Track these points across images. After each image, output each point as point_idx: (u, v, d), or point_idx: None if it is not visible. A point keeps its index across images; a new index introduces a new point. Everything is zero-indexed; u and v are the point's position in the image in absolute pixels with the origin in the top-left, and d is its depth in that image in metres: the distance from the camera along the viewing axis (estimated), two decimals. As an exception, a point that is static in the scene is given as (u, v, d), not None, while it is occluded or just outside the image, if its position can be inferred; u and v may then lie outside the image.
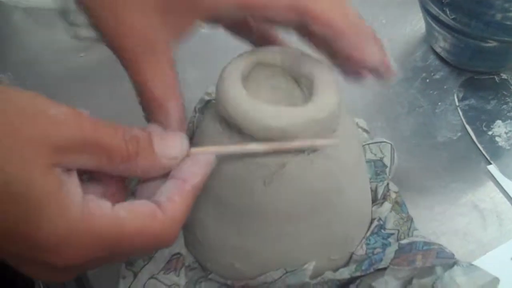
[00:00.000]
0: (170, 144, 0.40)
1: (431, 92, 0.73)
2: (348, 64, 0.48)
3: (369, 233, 0.54)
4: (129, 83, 0.72)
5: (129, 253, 0.40)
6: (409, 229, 0.55)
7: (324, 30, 0.44)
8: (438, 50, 0.76)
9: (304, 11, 0.44)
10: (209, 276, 0.52)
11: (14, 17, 0.83)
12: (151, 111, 0.44)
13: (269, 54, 0.49)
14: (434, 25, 0.72)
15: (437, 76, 0.74)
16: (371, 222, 0.55)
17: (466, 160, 0.66)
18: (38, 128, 0.33)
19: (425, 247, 0.51)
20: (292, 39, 0.49)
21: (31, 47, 0.79)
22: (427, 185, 0.64)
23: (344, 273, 0.51)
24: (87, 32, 0.76)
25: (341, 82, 0.72)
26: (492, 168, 0.65)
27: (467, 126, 0.69)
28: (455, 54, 0.74)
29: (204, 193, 0.43)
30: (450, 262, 0.49)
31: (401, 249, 0.51)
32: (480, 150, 0.66)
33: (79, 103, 0.70)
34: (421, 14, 0.76)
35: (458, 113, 0.70)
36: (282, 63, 0.49)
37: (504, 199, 0.62)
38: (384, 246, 0.53)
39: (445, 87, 0.73)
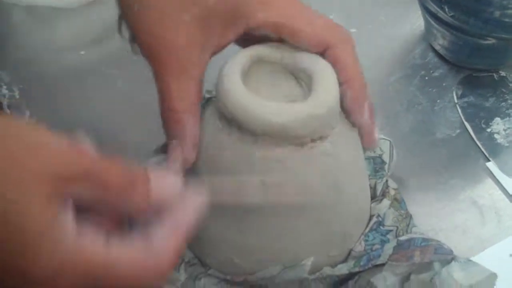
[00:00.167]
0: (165, 183, 0.40)
1: (430, 89, 0.73)
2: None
3: (367, 229, 0.54)
4: (128, 83, 0.73)
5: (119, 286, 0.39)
6: (408, 225, 0.55)
7: (340, 73, 0.48)
8: (437, 47, 0.76)
9: (332, 53, 0.48)
10: (209, 272, 0.53)
11: (13, 15, 0.83)
12: (168, 121, 0.47)
13: (268, 50, 0.49)
14: (433, 22, 0.72)
15: (436, 74, 0.75)
16: (370, 219, 0.55)
17: (465, 157, 0.66)
18: (39, 159, 0.34)
19: (423, 243, 0.51)
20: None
21: (31, 45, 0.79)
22: (426, 181, 0.64)
23: (343, 269, 0.51)
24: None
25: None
26: (490, 165, 0.65)
27: (466, 123, 0.69)
28: (454, 51, 0.74)
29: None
30: (448, 258, 0.49)
31: (399, 246, 0.51)
32: (479, 147, 0.67)
33: (78, 102, 0.71)
34: (420, 12, 0.76)
35: (457, 110, 0.70)
36: (282, 59, 0.49)
37: (503, 196, 0.63)
38: (383, 242, 0.53)
39: (444, 84, 0.73)
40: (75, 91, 0.72)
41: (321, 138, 0.47)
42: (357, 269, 0.51)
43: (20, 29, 0.82)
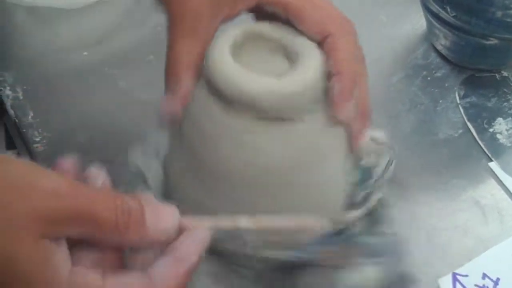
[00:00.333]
0: (162, 217, 0.40)
1: (432, 89, 0.73)
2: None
3: (330, 230, 0.54)
4: (131, 83, 0.73)
5: None
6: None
7: (333, 64, 0.48)
8: (439, 47, 0.76)
9: (330, 43, 0.48)
10: None
11: (16, 15, 0.83)
12: (168, 71, 0.49)
13: (270, 28, 0.50)
14: (434, 22, 0.72)
15: (438, 74, 0.75)
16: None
17: (467, 157, 0.66)
18: (27, 201, 0.34)
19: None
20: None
21: (34, 46, 0.79)
22: (428, 181, 0.64)
23: (278, 255, 0.51)
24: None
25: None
26: (493, 165, 0.65)
27: (468, 124, 0.69)
28: (456, 51, 0.74)
29: (184, 153, 0.47)
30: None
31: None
32: (481, 147, 0.67)
33: (81, 102, 0.71)
34: (421, 12, 0.76)
35: (459, 110, 0.70)
36: (281, 39, 0.50)
37: (505, 196, 0.63)
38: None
39: (446, 84, 0.73)
40: (78, 92, 0.72)
41: (293, 119, 0.47)
42: (299, 255, 0.51)
43: (22, 30, 0.82)
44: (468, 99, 0.71)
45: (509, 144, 0.67)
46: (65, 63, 0.76)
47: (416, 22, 0.80)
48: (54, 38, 0.80)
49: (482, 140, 0.67)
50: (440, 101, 0.71)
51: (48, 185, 0.35)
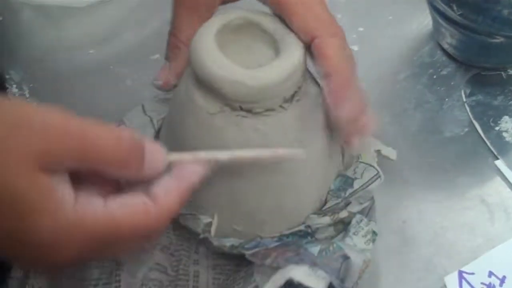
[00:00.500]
0: (157, 157, 0.41)
1: (438, 88, 0.73)
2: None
3: (290, 231, 0.54)
4: (137, 81, 0.73)
5: (121, 247, 0.41)
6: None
7: (322, 66, 0.48)
8: (445, 46, 0.76)
9: (317, 44, 0.48)
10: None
11: (23, 14, 0.83)
12: (169, 43, 0.53)
13: (266, 19, 0.50)
14: (441, 21, 0.72)
15: (444, 72, 0.74)
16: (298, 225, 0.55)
17: (473, 155, 0.66)
18: (23, 139, 0.35)
19: (287, 247, 0.51)
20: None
21: (40, 44, 0.80)
22: (434, 179, 0.64)
23: (229, 242, 0.53)
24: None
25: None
26: (499, 163, 0.65)
27: (474, 122, 0.69)
28: (462, 50, 0.74)
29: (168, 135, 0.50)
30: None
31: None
32: (488, 146, 0.67)
33: (87, 100, 0.71)
34: (427, 11, 0.76)
35: (465, 108, 0.70)
36: (274, 32, 0.50)
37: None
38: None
39: (452, 83, 0.73)
40: (84, 90, 0.73)
41: (263, 112, 0.48)
42: (237, 250, 0.52)
43: (29, 28, 0.82)
44: (474, 98, 0.71)
45: (515, 142, 0.67)
46: (71, 61, 0.76)
47: (422, 20, 0.80)
48: (60, 36, 0.80)
49: (488, 138, 0.67)
50: (446, 99, 0.71)
51: (46, 121, 0.36)
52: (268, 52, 0.51)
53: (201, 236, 0.52)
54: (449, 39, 0.74)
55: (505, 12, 0.65)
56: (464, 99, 0.71)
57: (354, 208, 0.56)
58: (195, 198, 0.52)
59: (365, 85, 0.72)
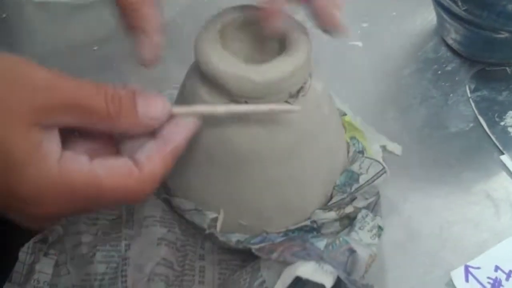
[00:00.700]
0: (153, 105, 0.41)
1: (443, 83, 0.73)
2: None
3: (296, 226, 0.54)
4: (141, 78, 0.73)
5: (103, 207, 0.44)
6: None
7: None
8: (450, 41, 0.76)
9: None
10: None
11: (27, 11, 0.83)
12: (127, 13, 0.46)
13: (256, 12, 0.50)
14: (445, 16, 0.72)
15: (448, 68, 0.74)
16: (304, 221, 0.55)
17: (479, 151, 0.66)
18: (18, 93, 0.36)
19: (293, 241, 0.51)
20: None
21: (44, 41, 0.80)
22: (440, 174, 0.64)
23: (235, 237, 0.53)
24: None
25: (354, 73, 0.73)
26: (504, 158, 0.65)
27: (479, 117, 0.69)
28: (467, 45, 0.74)
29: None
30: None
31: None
32: (493, 141, 0.66)
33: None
34: (432, 6, 0.76)
35: (470, 104, 0.70)
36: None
37: (517, 189, 0.63)
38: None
39: (456, 78, 0.73)
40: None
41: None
42: (243, 245, 0.52)
43: (32, 26, 0.82)
44: (479, 93, 0.71)
45: (521, 138, 0.67)
46: (75, 58, 0.76)
47: (427, 16, 0.80)
48: (64, 33, 0.80)
49: (493, 133, 0.67)
50: (451, 94, 0.71)
51: (39, 78, 0.37)
52: (273, 48, 0.51)
53: (207, 231, 0.53)
54: (454, 34, 0.74)
55: (510, 7, 0.65)
56: (469, 95, 0.71)
57: (360, 203, 0.56)
58: (201, 194, 0.53)
59: (370, 81, 0.73)
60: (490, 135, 0.67)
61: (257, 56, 0.50)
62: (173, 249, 0.54)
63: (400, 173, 0.62)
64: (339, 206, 0.55)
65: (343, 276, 0.47)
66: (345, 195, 0.55)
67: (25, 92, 0.36)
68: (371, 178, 0.56)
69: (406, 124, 0.68)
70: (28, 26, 0.81)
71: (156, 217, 0.55)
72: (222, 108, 0.46)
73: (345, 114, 0.64)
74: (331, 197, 0.56)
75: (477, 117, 0.69)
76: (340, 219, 0.55)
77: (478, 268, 0.56)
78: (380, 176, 0.56)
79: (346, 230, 0.56)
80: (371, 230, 0.54)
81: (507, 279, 0.55)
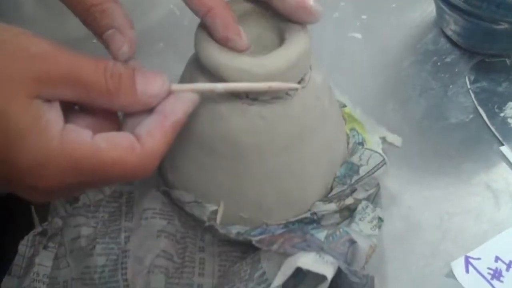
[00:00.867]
0: (152, 82, 0.42)
1: (442, 75, 0.73)
2: None
3: (294, 218, 0.54)
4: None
5: (105, 182, 0.43)
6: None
7: None
8: (449, 33, 0.76)
9: None
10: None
11: (25, 6, 0.83)
12: (94, 16, 0.45)
13: (255, 4, 0.50)
14: (444, 8, 0.72)
15: (448, 59, 0.74)
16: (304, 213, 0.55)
17: (479, 142, 0.66)
18: (18, 64, 0.36)
19: (293, 233, 0.51)
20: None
21: (42, 34, 0.79)
22: (440, 166, 0.64)
23: (235, 229, 0.53)
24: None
25: (353, 65, 0.73)
26: (504, 149, 0.65)
27: (479, 108, 0.69)
28: (466, 37, 0.74)
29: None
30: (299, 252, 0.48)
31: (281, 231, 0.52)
32: (493, 132, 0.66)
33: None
34: (431, -3, 0.76)
35: (470, 95, 0.70)
36: (269, 14, 0.50)
37: (517, 180, 0.63)
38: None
39: (456, 70, 0.73)
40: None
41: (269, 100, 0.48)
42: (243, 237, 0.52)
43: (31, 20, 0.82)
44: (478, 84, 0.71)
45: (521, 129, 0.67)
46: (74, 51, 0.76)
47: (426, 8, 0.80)
48: (62, 26, 0.80)
49: (493, 124, 0.67)
50: (451, 86, 0.71)
51: (37, 49, 0.37)
52: (273, 40, 0.50)
53: (207, 223, 0.53)
54: (453, 26, 0.73)
55: (509, -2, 0.65)
56: (469, 86, 0.71)
57: (360, 194, 0.56)
58: (200, 186, 0.53)
59: (369, 73, 0.73)
60: (490, 126, 0.67)
61: (257, 49, 0.50)
62: (173, 241, 0.54)
63: (400, 164, 0.62)
64: (339, 197, 0.55)
65: (343, 267, 0.47)
66: (345, 186, 0.55)
67: (25, 64, 0.36)
68: (371, 169, 0.56)
69: (406, 116, 0.68)
70: (26, 20, 0.81)
71: (155, 209, 0.55)
72: (221, 85, 0.46)
73: (345, 106, 0.64)
74: (331, 189, 0.56)
75: (476, 108, 0.69)
76: (340, 210, 0.55)
77: (479, 259, 0.56)
78: (380, 167, 0.56)
79: (346, 222, 0.55)
80: (371, 222, 0.54)
81: (507, 270, 0.55)
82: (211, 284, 0.54)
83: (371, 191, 0.56)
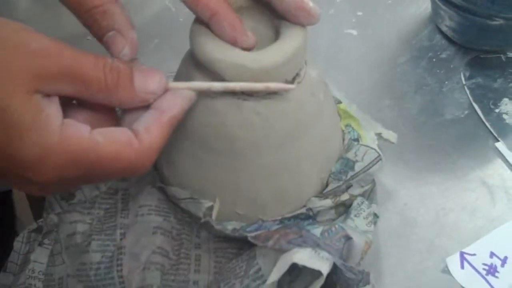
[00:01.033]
0: (150, 79, 0.42)
1: (437, 71, 0.73)
2: None
3: (290, 214, 0.54)
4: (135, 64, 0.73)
5: (104, 176, 0.43)
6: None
7: None
8: (444, 29, 0.76)
9: None
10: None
11: (20, 2, 0.83)
12: (95, 17, 0.45)
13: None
14: (439, 3, 0.72)
15: (443, 55, 0.74)
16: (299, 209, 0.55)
17: (474, 138, 0.66)
18: (18, 60, 0.36)
19: (289, 229, 0.51)
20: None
21: (37, 31, 0.79)
22: (435, 162, 0.64)
23: (231, 225, 0.53)
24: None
25: (349, 61, 0.73)
26: (499, 145, 0.65)
27: (474, 104, 0.69)
28: (461, 33, 0.74)
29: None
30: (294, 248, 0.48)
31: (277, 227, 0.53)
32: (488, 128, 0.66)
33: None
34: (426, -6, 0.76)
35: (465, 91, 0.70)
36: (264, 9, 0.50)
37: (512, 175, 0.63)
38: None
39: (451, 66, 0.73)
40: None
41: (263, 95, 0.48)
42: (239, 233, 0.52)
43: (26, 16, 0.82)
44: (473, 80, 0.71)
45: (515, 125, 0.67)
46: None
47: (421, 4, 0.80)
48: (57, 23, 0.80)
49: (488, 120, 0.67)
50: (446, 82, 0.71)
51: (37, 45, 0.37)
52: (268, 35, 0.50)
53: (203, 220, 0.52)
54: (448, 21, 0.73)
55: (505, -7, 0.65)
56: (464, 82, 0.71)
57: (355, 190, 0.56)
58: (196, 183, 0.53)
59: (365, 69, 0.73)
60: (485, 122, 0.67)
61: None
62: (168, 238, 0.54)
63: (395, 160, 0.63)
64: (335, 193, 0.55)
65: (339, 263, 0.47)
66: (340, 182, 0.55)
67: (25, 59, 0.36)
68: (367, 165, 0.56)
69: (401, 112, 0.68)
70: (21, 17, 0.81)
71: (151, 206, 0.55)
72: (218, 84, 0.46)
73: (340, 102, 0.63)
74: (327, 185, 0.56)
75: (472, 105, 0.69)
76: (336, 206, 0.55)
77: (474, 254, 0.56)
78: (376, 163, 0.56)
79: (341, 218, 0.55)
80: (366, 218, 0.54)
81: (502, 265, 0.55)
82: (206, 281, 0.54)
83: (366, 187, 0.56)
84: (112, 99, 0.40)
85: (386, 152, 0.57)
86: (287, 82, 0.48)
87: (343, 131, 0.60)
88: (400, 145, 0.63)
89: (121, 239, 0.54)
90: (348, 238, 0.49)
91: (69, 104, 0.40)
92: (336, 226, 0.50)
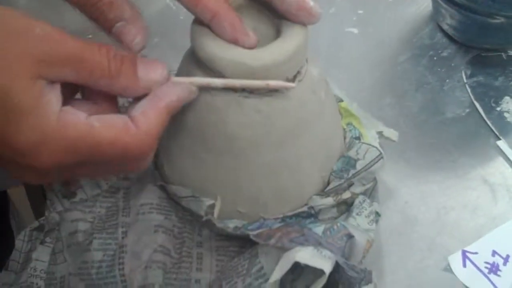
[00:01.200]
0: (152, 68, 0.42)
1: (438, 69, 0.73)
2: None
3: (291, 213, 0.54)
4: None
5: (103, 163, 0.42)
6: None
7: None
8: (445, 27, 0.76)
9: None
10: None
11: (20, 1, 0.82)
12: (102, 9, 0.45)
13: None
14: (440, 2, 0.72)
15: (444, 54, 0.74)
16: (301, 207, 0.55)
17: (475, 136, 0.66)
18: (23, 45, 0.37)
19: (291, 227, 0.51)
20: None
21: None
22: (436, 160, 0.64)
23: (232, 223, 0.53)
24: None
25: (350, 60, 0.73)
26: (501, 143, 0.65)
27: (476, 103, 0.69)
28: (462, 31, 0.74)
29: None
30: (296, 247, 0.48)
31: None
32: (489, 126, 0.66)
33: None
34: (427, -8, 0.76)
35: (466, 89, 0.70)
36: (265, 7, 0.50)
37: (514, 174, 0.63)
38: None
39: (452, 64, 0.73)
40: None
41: (264, 93, 0.48)
42: (241, 231, 0.52)
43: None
44: (475, 78, 0.71)
45: (517, 123, 0.67)
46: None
47: (422, 2, 0.80)
48: (58, 22, 0.79)
49: (489, 119, 0.67)
50: (447, 80, 0.71)
51: (41, 31, 0.37)
52: (269, 32, 0.50)
53: (204, 218, 0.52)
54: (449, 20, 0.73)
55: (505, -8, 0.65)
56: (465, 80, 0.71)
57: (357, 189, 0.56)
58: (197, 181, 0.53)
59: (366, 67, 0.73)
60: (487, 120, 0.67)
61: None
62: (170, 236, 0.54)
63: (396, 159, 0.63)
64: (336, 192, 0.55)
65: (341, 261, 0.47)
66: (342, 181, 0.55)
67: (29, 44, 0.37)
68: (368, 164, 0.56)
69: (402, 110, 0.68)
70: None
71: (152, 204, 0.55)
72: (219, 81, 0.46)
73: (341, 100, 0.63)
74: (328, 183, 0.56)
75: (473, 103, 0.69)
76: (337, 205, 0.55)
77: (476, 253, 0.56)
78: (377, 162, 0.56)
79: (343, 216, 0.55)
80: (368, 216, 0.54)
81: (504, 264, 0.55)
82: (208, 279, 0.54)
83: (368, 186, 0.56)
84: (115, 87, 0.41)
85: (387, 151, 0.57)
86: (288, 80, 0.48)
87: (344, 129, 0.60)
88: (401, 143, 0.63)
89: (122, 238, 0.54)
90: (350, 236, 0.49)
91: (70, 97, 0.41)
92: (338, 224, 0.50)
